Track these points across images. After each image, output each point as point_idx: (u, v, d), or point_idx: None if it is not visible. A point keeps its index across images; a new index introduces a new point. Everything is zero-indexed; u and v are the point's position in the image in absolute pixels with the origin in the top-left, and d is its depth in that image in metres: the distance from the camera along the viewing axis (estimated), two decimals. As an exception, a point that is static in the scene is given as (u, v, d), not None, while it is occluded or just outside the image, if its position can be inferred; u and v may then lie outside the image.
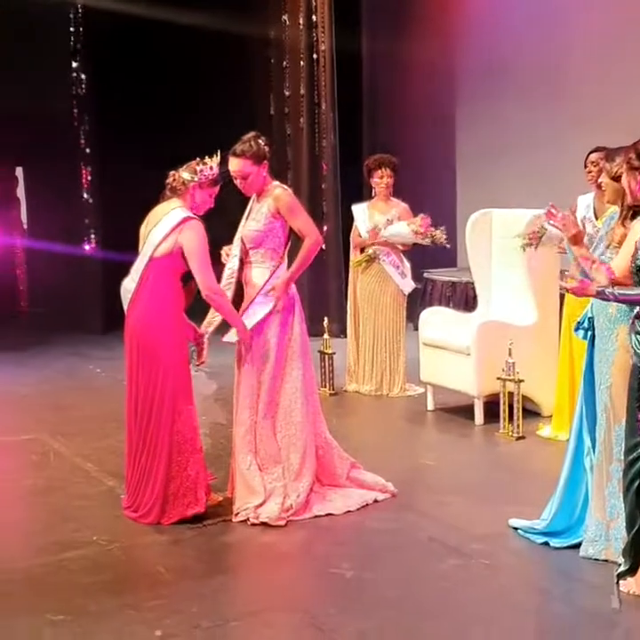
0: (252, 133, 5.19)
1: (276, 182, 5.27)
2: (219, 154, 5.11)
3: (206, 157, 5.09)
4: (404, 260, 7.89)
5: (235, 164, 5.12)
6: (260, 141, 5.16)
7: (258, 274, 5.22)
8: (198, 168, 5.05)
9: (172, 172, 5.11)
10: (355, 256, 7.98)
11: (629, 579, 4.12)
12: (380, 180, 7.83)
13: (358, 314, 7.96)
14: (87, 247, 11.00)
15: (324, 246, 5.38)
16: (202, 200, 5.10)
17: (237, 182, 5.17)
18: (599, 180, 4.65)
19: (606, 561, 4.37)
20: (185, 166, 5.10)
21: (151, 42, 11.31)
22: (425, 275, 10.51)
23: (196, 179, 5.04)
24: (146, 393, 5.02)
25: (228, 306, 5.12)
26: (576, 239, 4.37)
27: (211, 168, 5.07)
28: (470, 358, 6.78)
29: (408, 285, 7.91)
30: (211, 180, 5.09)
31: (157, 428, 5.00)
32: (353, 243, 8.01)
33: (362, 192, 9.00)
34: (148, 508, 5.04)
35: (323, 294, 10.48)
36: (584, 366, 4.58)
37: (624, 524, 4.22)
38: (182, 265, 5.02)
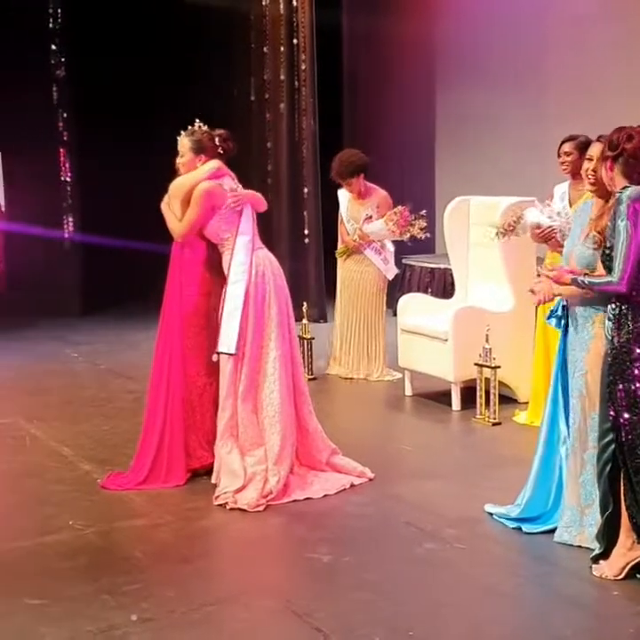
0: (204, 128, 5.31)
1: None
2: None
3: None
4: (387, 245, 7.89)
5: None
6: (205, 134, 5.28)
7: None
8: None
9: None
10: (340, 244, 8.01)
11: (602, 562, 4.17)
12: (350, 188, 7.83)
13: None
14: (65, 230, 10.97)
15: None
16: None
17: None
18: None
19: (580, 547, 4.41)
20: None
21: (132, 25, 11.24)
22: (404, 261, 10.52)
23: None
24: None
25: None
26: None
27: None
28: (447, 344, 6.81)
29: (391, 271, 7.93)
30: None
31: None
32: (340, 230, 8.02)
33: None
34: None
35: (302, 279, 10.47)
36: (557, 354, 4.61)
37: (598, 510, 4.26)
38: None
